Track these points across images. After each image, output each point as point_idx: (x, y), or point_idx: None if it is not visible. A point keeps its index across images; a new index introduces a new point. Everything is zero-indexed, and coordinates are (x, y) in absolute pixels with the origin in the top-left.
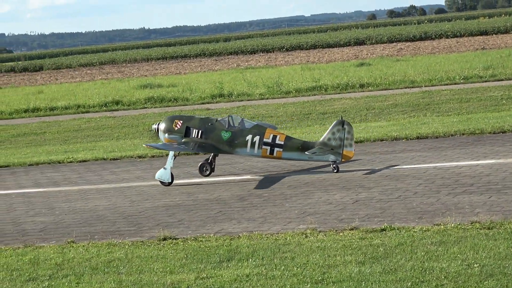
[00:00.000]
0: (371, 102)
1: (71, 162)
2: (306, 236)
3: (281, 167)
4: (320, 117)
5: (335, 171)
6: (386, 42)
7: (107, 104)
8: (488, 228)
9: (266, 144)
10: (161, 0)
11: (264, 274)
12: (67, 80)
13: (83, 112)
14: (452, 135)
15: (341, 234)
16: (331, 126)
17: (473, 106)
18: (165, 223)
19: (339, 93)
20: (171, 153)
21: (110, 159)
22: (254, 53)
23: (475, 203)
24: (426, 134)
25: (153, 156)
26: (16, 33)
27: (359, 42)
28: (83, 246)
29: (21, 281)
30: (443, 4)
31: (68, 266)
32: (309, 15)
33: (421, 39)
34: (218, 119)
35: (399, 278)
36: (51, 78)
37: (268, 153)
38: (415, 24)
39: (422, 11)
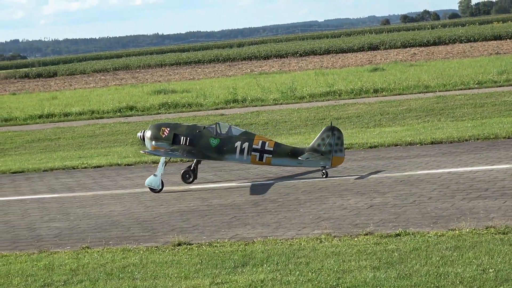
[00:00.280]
0: (385, 107)
1: (85, 167)
2: (321, 241)
3: (295, 172)
4: (334, 123)
5: (324, 176)
6: (399, 47)
7: (121, 110)
8: (503, 233)
9: (255, 150)
10: (175, 6)
11: (279, 279)
12: (81, 86)
13: (97, 118)
14: (466, 140)
15: (355, 239)
16: (320, 132)
17: (487, 111)
18: (180, 229)
19: (353, 98)
20: (162, 160)
21: (125, 165)
22: (268, 59)
23: (490, 208)
24: (440, 139)
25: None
26: (30, 39)
27: (373, 47)
28: (98, 251)
29: (36, 286)
30: (457, 9)
31: (83, 272)
32: (323, 20)
33: (434, 44)
34: (206, 126)
35: (414, 283)
36: (65, 84)
37: (257, 160)
38: (428, 29)
39: (435, 16)
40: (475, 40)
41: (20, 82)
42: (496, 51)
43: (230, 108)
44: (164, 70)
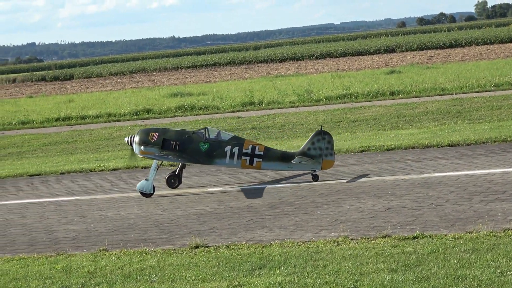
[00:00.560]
0: (401, 110)
1: (102, 170)
2: (338, 244)
3: (312, 175)
4: (351, 125)
5: (315, 180)
6: (416, 50)
7: (138, 113)
8: None
9: (245, 154)
10: (191, 9)
11: (296, 282)
12: (97, 89)
13: (114, 121)
14: (483, 142)
15: (373, 241)
16: (310, 136)
17: (504, 114)
18: (197, 231)
19: (369, 101)
20: (154, 164)
21: (142, 168)
22: (284, 61)
23: (508, 211)
24: (457, 142)
25: None
26: (46, 42)
27: (389, 50)
28: (115, 254)
29: None
30: (473, 11)
31: (101, 274)
32: (339, 23)
33: (451, 46)
34: (195, 131)
35: (432, 286)
36: (82, 87)
37: (247, 164)
38: (445, 31)
39: (452, 18)
40: (491, 43)
41: (37, 85)
42: None
43: (247, 110)
44: (181, 73)
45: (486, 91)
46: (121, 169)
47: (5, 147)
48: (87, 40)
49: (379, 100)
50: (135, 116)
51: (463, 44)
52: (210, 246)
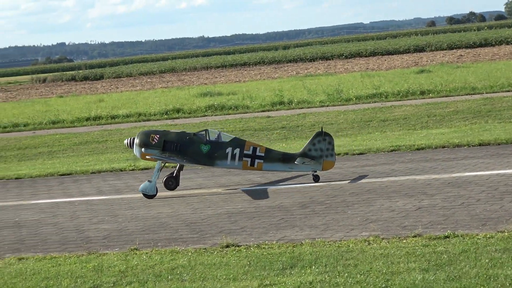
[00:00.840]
0: (431, 109)
1: (133, 170)
2: (369, 243)
3: (342, 174)
4: (381, 124)
5: (316, 180)
6: (446, 49)
7: (168, 112)
8: None
9: (246, 156)
10: (220, 9)
11: (327, 281)
12: (127, 89)
13: (144, 120)
14: None
15: (404, 241)
16: (311, 138)
17: None
18: (228, 230)
19: (399, 100)
20: (157, 166)
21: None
22: (314, 61)
23: None
24: (488, 141)
25: None
26: (76, 42)
27: (419, 49)
28: (146, 253)
29: None
30: (503, 10)
31: (132, 273)
32: (368, 22)
33: (481, 45)
34: (195, 133)
35: (464, 285)
36: (112, 86)
37: (248, 165)
38: (474, 30)
39: (481, 17)
40: None
41: (67, 85)
42: None
43: (276, 110)
44: (210, 73)
45: None
46: (151, 168)
47: (36, 147)
48: (116, 40)
49: (409, 100)
50: (165, 116)
51: (493, 43)
52: (241, 245)
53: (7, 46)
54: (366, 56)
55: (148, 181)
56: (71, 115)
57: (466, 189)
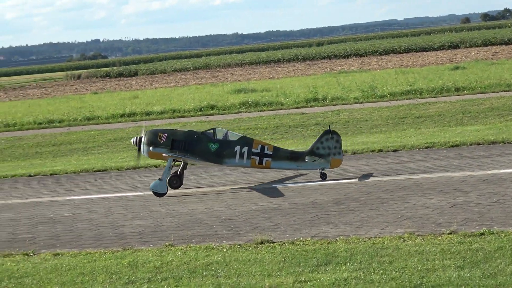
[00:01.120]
0: (466, 106)
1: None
2: (404, 240)
3: (377, 171)
4: (416, 121)
5: (323, 178)
6: (480, 46)
7: (202, 109)
8: None
9: (255, 154)
10: (254, 6)
11: (362, 278)
12: (161, 85)
13: (178, 117)
14: None
15: (439, 238)
16: (319, 136)
17: None
18: (262, 227)
19: (434, 97)
20: (168, 164)
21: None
22: (347, 57)
23: None
24: None
25: None
26: (111, 39)
27: (453, 46)
28: (181, 249)
29: (121, 283)
30: None
31: (167, 269)
32: (402, 19)
33: None
34: (203, 131)
35: (499, 282)
36: (146, 83)
37: (257, 163)
38: (509, 27)
39: None
40: None
41: (102, 82)
42: None
43: (311, 107)
44: (244, 69)
45: None
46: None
47: (71, 143)
48: (151, 36)
49: (443, 96)
50: (199, 112)
51: None
52: (275, 242)
53: (42, 43)
54: (400, 53)
55: (159, 179)
56: (105, 111)
57: (501, 186)
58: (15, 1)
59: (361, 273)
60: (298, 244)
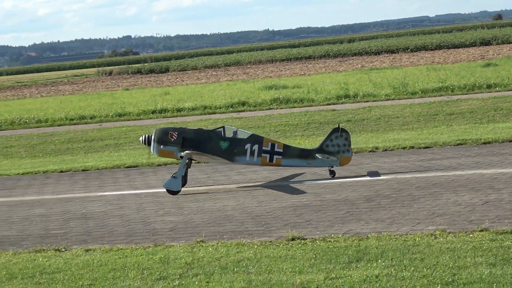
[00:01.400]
0: (499, 103)
1: (198, 163)
2: (436, 237)
3: (409, 168)
4: (447, 118)
5: (332, 175)
6: None
7: (233, 105)
8: None
9: (265, 152)
10: (285, 2)
11: (393, 275)
12: (192, 82)
13: (209, 113)
14: None
15: (471, 235)
16: (328, 134)
17: None
18: (293, 223)
19: (465, 94)
20: (184, 162)
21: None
22: (379, 54)
23: None
24: None
25: None
26: (142, 35)
27: (485, 43)
28: (212, 245)
29: (152, 279)
30: None
31: (198, 265)
32: (434, 15)
33: None
34: (213, 129)
35: None
36: (177, 79)
37: (267, 161)
38: None
39: None
40: None
41: (133, 78)
42: None
43: (342, 103)
44: (275, 66)
45: None
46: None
47: (102, 139)
48: (182, 33)
49: (475, 93)
50: (231, 109)
51: None
52: (306, 239)
53: (74, 39)
54: (431, 50)
55: (173, 177)
56: (137, 107)
57: None
58: None
59: (392, 270)
60: (329, 241)
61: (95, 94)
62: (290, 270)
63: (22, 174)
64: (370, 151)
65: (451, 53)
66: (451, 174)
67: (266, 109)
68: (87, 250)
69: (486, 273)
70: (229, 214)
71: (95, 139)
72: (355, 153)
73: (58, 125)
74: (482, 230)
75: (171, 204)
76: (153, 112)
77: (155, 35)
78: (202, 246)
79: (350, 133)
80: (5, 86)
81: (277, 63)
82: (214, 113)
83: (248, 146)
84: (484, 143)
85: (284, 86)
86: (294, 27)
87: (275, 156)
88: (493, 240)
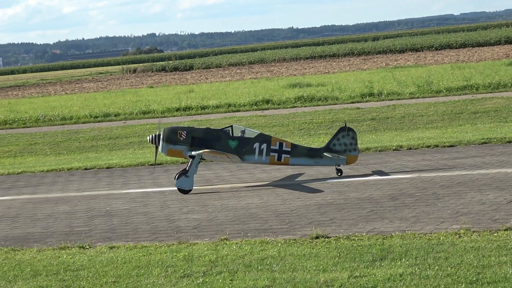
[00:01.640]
0: None
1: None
2: (460, 236)
3: (433, 167)
4: (472, 117)
5: (339, 174)
6: None
7: (257, 103)
8: None
9: (273, 151)
10: (309, 0)
11: (417, 274)
12: (217, 79)
13: (233, 111)
14: None
15: (495, 234)
16: (335, 133)
17: None
18: (317, 222)
19: (490, 92)
20: (196, 161)
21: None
22: (403, 52)
23: None
24: None
25: None
26: (166, 33)
27: (510, 41)
28: (236, 243)
29: (176, 277)
30: None
31: (222, 263)
32: (459, 13)
33: None
34: (221, 128)
35: None
36: (201, 77)
37: (276, 160)
38: None
39: None
40: None
41: (157, 75)
42: None
43: (366, 101)
44: (299, 64)
45: None
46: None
47: (127, 136)
48: (206, 31)
49: (500, 92)
50: (255, 107)
51: None
52: (330, 237)
53: (98, 37)
54: (456, 48)
55: (186, 176)
56: (161, 105)
57: None
58: None
59: (416, 269)
60: (353, 239)
61: (120, 91)
62: (314, 268)
63: (47, 171)
64: (394, 150)
65: (476, 52)
66: (476, 173)
67: (290, 107)
68: (111, 248)
69: (510, 272)
70: (253, 212)
71: (119, 137)
72: (379, 151)
73: (83, 123)
74: (506, 229)
75: (195, 202)
76: (178, 109)
77: (179, 33)
78: (226, 244)
79: (358, 132)
80: (30, 84)
81: (301, 61)
82: (238, 111)
83: (256, 145)
84: (509, 142)
85: (308, 84)
86: (318, 25)
87: (283, 155)
88: None
